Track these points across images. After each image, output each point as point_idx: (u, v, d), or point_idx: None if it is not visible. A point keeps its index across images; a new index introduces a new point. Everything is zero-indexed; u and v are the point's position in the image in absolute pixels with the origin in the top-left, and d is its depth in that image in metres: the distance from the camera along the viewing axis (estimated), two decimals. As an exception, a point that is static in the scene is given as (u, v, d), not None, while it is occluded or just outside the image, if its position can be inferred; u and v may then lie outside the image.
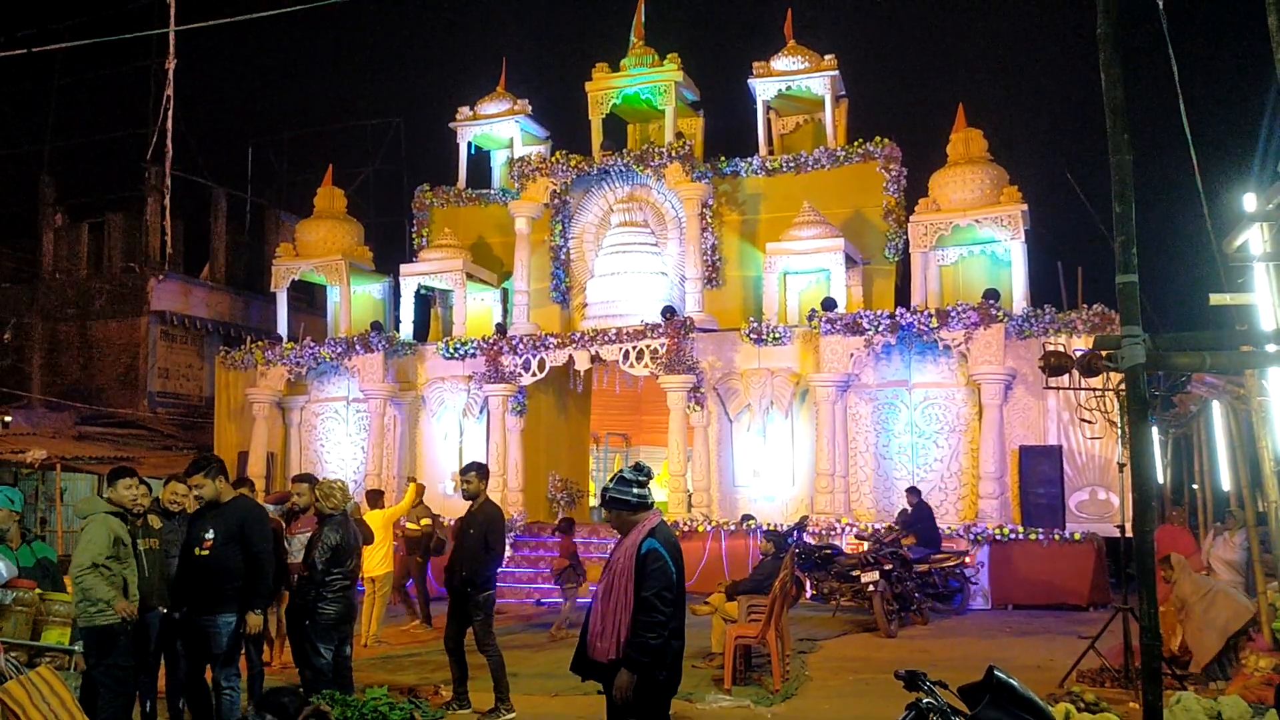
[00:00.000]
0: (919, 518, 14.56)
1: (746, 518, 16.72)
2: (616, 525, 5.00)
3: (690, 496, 17.80)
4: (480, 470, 8.90)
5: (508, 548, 17.72)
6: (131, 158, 25.27)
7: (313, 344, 20.05)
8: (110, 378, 24.54)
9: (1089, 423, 14.06)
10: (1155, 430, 14.35)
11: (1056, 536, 15.39)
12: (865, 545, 14.30)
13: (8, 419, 19.38)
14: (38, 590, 6.01)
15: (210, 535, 6.94)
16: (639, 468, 5.07)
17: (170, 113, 23.08)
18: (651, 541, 4.82)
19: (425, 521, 13.70)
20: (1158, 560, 8.86)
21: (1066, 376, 9.43)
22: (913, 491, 15.14)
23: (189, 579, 7.08)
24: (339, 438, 20.53)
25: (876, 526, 15.64)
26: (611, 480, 5.04)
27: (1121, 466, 11.01)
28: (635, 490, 4.94)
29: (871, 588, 12.73)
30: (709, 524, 16.83)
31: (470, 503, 8.79)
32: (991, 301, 16.36)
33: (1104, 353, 5.50)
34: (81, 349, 24.94)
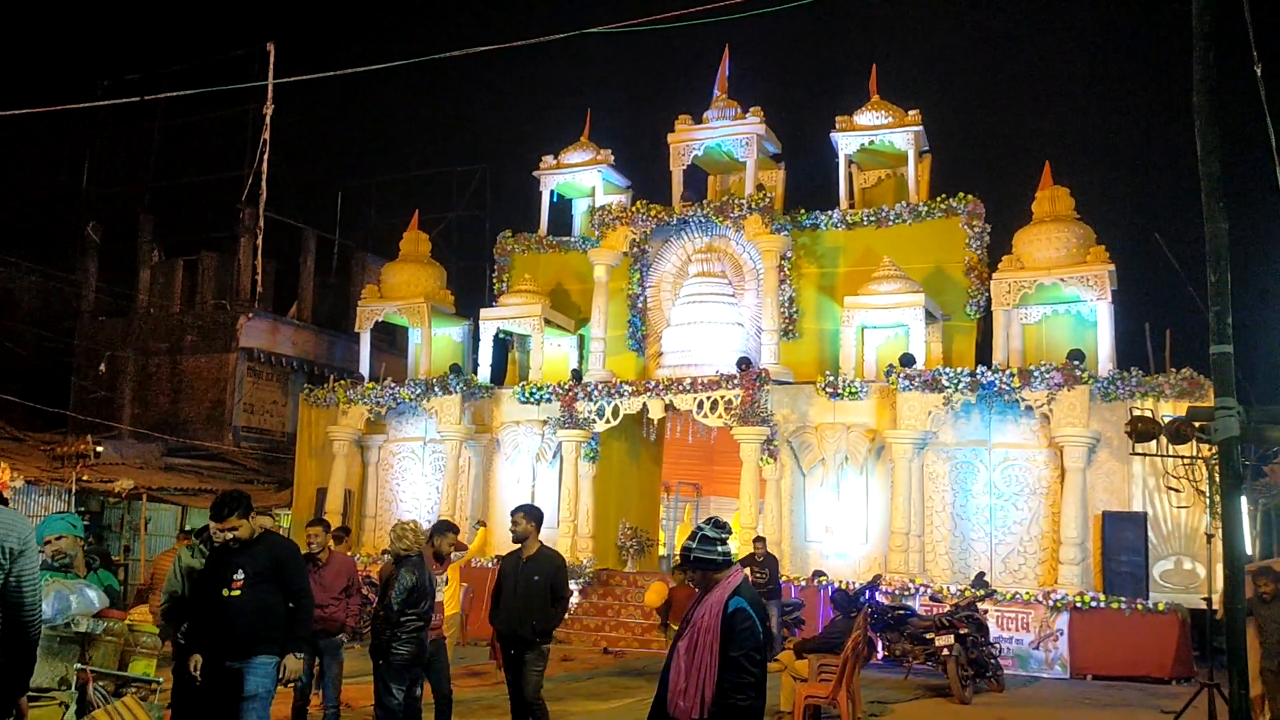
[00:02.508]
0: (767, 565, 14.65)
1: (818, 574, 16.54)
2: (699, 584, 4.94)
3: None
4: (530, 512, 8.36)
5: (574, 593, 17.83)
6: (227, 199, 26.15)
7: (393, 384, 20.42)
8: (197, 411, 25.22)
9: (1176, 490, 13.69)
10: (1244, 500, 13.92)
11: (1139, 606, 14.93)
12: (943, 607, 14.03)
13: (99, 448, 19.98)
14: (127, 621, 6.17)
15: (240, 575, 6.37)
16: (718, 524, 4.96)
17: (266, 157, 23.86)
18: (739, 600, 4.71)
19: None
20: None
21: (1154, 443, 9.21)
22: (759, 540, 14.98)
23: (218, 622, 6.42)
24: (414, 477, 20.81)
25: (953, 588, 15.36)
26: (692, 539, 4.91)
27: (1209, 537, 10.71)
28: (720, 549, 4.84)
29: (946, 651, 12.46)
30: (780, 579, 16.61)
31: (519, 545, 8.28)
32: (1076, 362, 16.05)
33: (1197, 423, 5.38)
34: (171, 382, 25.70)
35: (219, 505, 6.49)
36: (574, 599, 17.87)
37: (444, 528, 9.12)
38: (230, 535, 6.47)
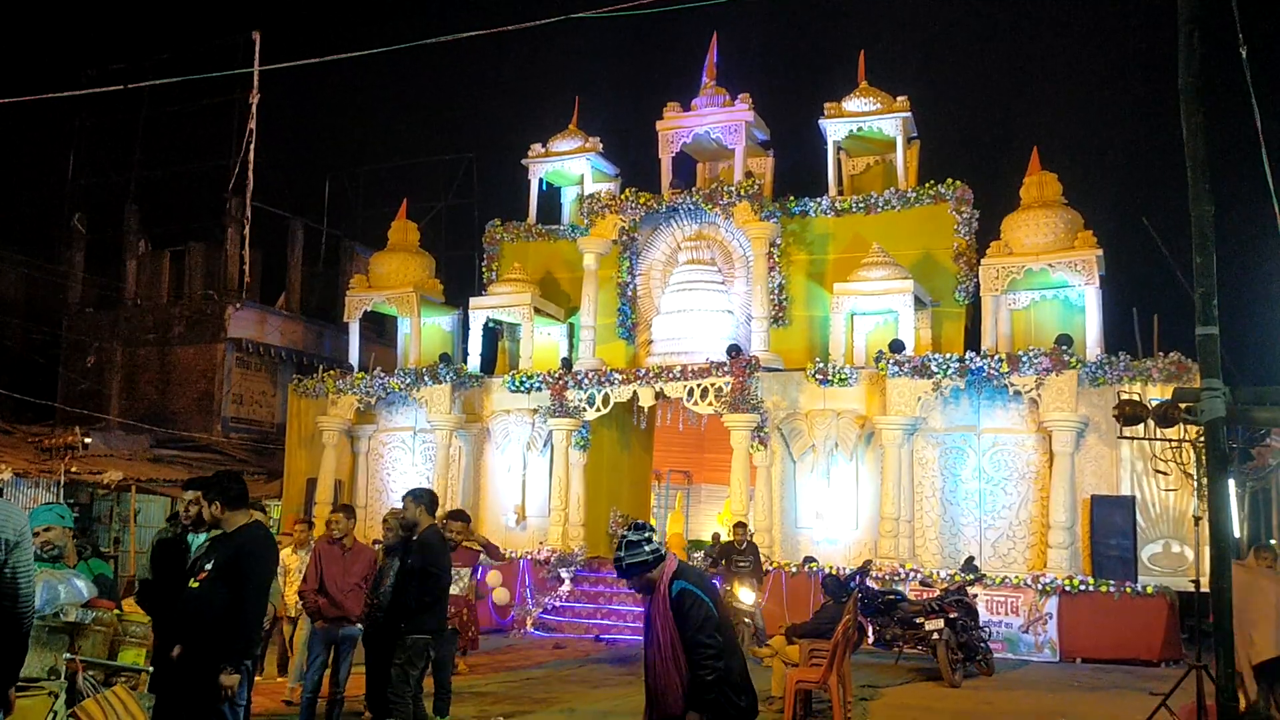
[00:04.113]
0: (750, 553, 14.94)
1: (808, 560, 16.56)
2: (641, 588, 5.00)
3: (751, 537, 17.68)
4: (419, 495, 7.83)
5: (566, 581, 17.85)
6: (214, 189, 26.06)
7: (382, 374, 20.37)
8: (186, 402, 25.15)
9: (1164, 474, 13.74)
10: (1232, 483, 13.99)
11: (1128, 589, 15.01)
12: (933, 591, 14.10)
13: (87, 440, 19.89)
14: (116, 611, 6.15)
15: (209, 565, 5.79)
16: (638, 526, 5.03)
17: (252, 146, 23.73)
18: (680, 583, 4.85)
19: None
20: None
21: (1142, 426, 9.24)
22: (740, 527, 15.13)
23: (177, 613, 5.87)
24: (405, 467, 20.77)
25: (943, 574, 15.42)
26: (620, 549, 4.94)
27: (1197, 520, 10.75)
28: (648, 549, 4.90)
29: (936, 636, 12.52)
30: (770, 565, 16.68)
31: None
32: (1064, 347, 16.10)
33: (1183, 405, 5.40)
34: (160, 374, 25.61)
35: (191, 479, 6.26)
36: (565, 587, 17.91)
37: (458, 515, 9.03)
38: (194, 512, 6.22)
